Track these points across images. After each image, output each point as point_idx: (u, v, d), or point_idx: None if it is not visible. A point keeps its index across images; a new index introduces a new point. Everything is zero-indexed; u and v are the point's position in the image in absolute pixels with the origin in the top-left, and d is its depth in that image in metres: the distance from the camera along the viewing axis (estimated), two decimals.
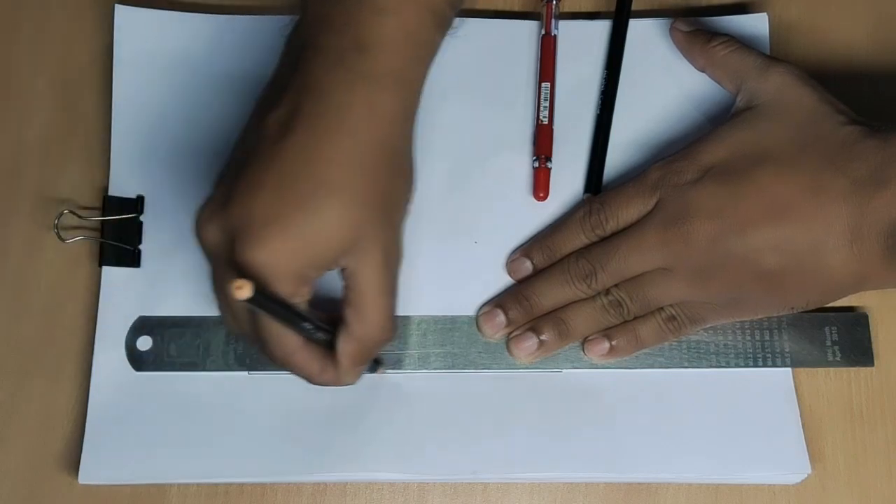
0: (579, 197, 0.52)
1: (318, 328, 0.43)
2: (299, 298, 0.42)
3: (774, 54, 0.54)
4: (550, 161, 0.52)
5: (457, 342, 0.50)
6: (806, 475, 0.49)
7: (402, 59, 0.42)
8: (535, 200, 0.52)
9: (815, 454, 0.49)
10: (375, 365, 0.49)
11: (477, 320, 0.50)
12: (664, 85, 0.54)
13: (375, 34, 0.42)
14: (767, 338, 0.50)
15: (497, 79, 0.54)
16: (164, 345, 0.50)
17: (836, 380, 0.51)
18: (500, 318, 0.50)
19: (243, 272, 0.40)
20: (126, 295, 0.51)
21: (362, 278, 0.42)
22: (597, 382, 0.50)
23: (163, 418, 0.49)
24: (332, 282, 0.44)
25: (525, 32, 0.54)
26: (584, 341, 0.50)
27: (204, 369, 0.50)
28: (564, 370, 0.50)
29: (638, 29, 0.54)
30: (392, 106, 0.42)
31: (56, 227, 0.51)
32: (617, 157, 0.52)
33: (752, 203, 0.46)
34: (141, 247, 0.52)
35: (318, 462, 0.49)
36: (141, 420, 0.49)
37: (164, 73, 0.54)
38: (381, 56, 0.42)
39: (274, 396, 0.50)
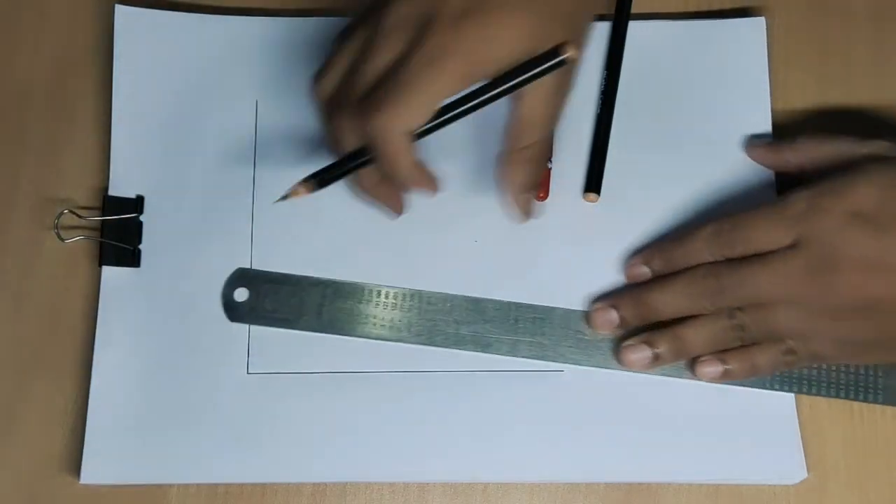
0: (579, 196, 0.52)
1: None
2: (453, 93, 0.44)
3: (774, 59, 0.54)
4: (551, 161, 0.52)
5: (548, 334, 0.50)
6: (802, 479, 0.49)
7: None
8: (535, 200, 0.52)
9: (815, 454, 0.49)
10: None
11: (589, 314, 0.50)
12: (663, 86, 0.54)
13: None
14: None
15: None
16: (260, 299, 0.51)
17: None
18: (614, 315, 0.49)
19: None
20: (126, 294, 0.51)
21: (533, 86, 0.45)
22: (597, 383, 0.50)
23: (163, 418, 0.49)
24: None
25: None
26: (695, 360, 0.49)
27: (297, 328, 0.50)
28: (565, 369, 0.50)
29: (637, 31, 0.54)
30: None
31: (56, 226, 0.51)
32: (617, 158, 0.52)
33: None
34: (141, 246, 0.52)
35: (318, 462, 0.49)
36: (142, 420, 0.49)
37: (163, 74, 0.54)
38: None
39: (274, 397, 0.50)
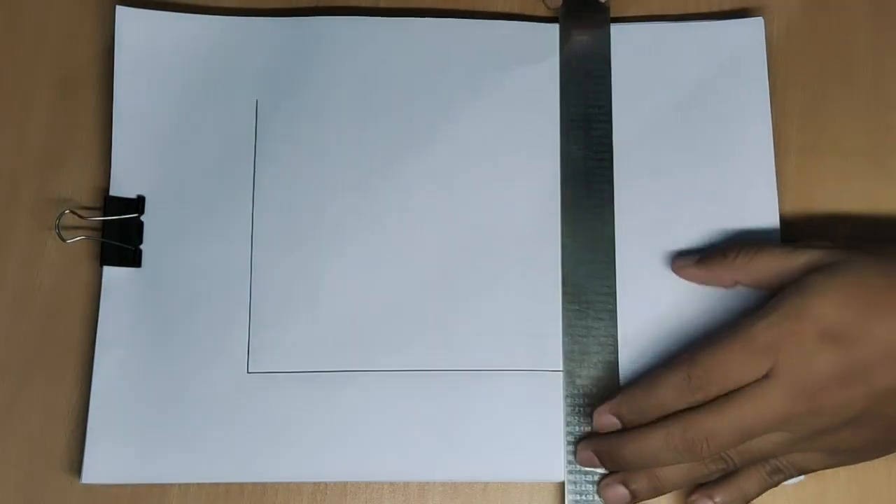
0: None
1: None
2: None
3: (772, 60, 0.54)
4: None
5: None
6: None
7: None
8: None
9: None
10: None
11: (577, 448, 0.49)
12: (659, 89, 0.54)
13: None
14: None
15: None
16: None
17: None
18: (596, 460, 0.48)
19: None
20: (127, 294, 0.51)
21: None
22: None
23: (164, 418, 0.49)
24: None
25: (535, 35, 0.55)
26: (687, 501, 0.49)
27: None
28: (564, 369, 0.50)
29: (632, 33, 0.54)
30: None
31: (57, 226, 0.51)
32: (617, 159, 0.53)
33: (879, 361, 0.44)
34: (142, 247, 0.52)
35: (318, 461, 0.49)
36: (142, 420, 0.49)
37: (165, 74, 0.54)
38: None
39: (274, 396, 0.50)
